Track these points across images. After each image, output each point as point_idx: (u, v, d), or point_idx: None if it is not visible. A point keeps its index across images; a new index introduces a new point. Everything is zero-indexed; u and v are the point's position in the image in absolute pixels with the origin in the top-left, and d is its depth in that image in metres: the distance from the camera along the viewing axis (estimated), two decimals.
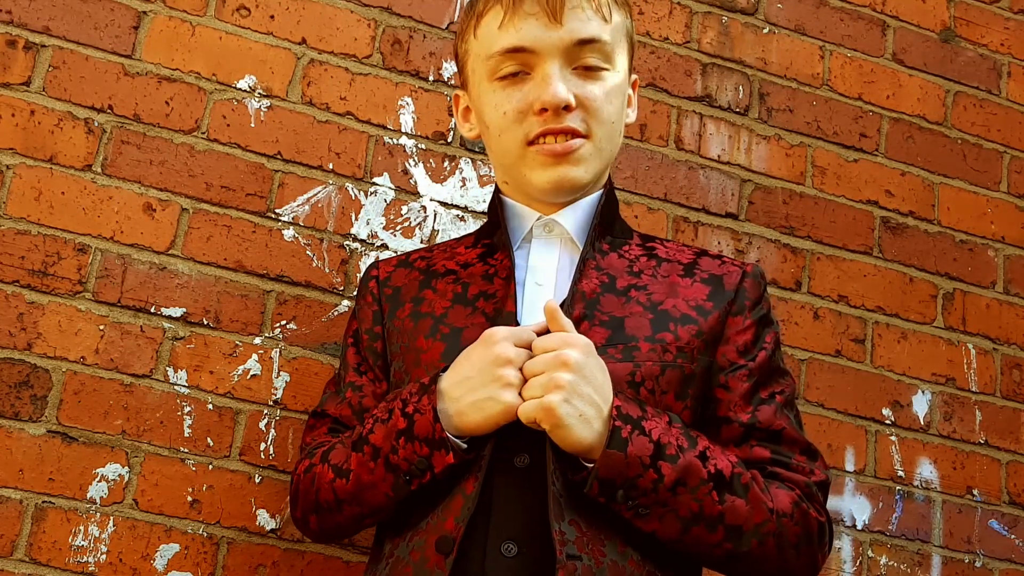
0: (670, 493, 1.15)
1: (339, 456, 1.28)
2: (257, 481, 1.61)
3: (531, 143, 1.30)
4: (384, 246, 1.75)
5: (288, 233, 1.71)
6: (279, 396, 1.65)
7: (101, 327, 1.60)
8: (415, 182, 1.79)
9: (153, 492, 1.57)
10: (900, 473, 1.92)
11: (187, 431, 1.60)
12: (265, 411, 1.64)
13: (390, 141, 1.80)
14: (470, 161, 1.83)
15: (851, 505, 1.88)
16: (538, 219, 1.35)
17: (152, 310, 1.62)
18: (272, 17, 1.78)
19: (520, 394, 1.16)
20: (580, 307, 1.28)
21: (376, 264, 1.47)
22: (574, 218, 1.35)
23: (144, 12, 1.72)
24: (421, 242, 1.77)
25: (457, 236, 1.70)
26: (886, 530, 1.88)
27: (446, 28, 1.87)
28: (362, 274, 1.57)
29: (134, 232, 1.64)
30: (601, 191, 1.38)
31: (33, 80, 1.65)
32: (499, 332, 1.19)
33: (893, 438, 1.93)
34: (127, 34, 1.71)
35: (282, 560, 1.60)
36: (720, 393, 1.29)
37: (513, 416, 1.16)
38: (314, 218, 1.73)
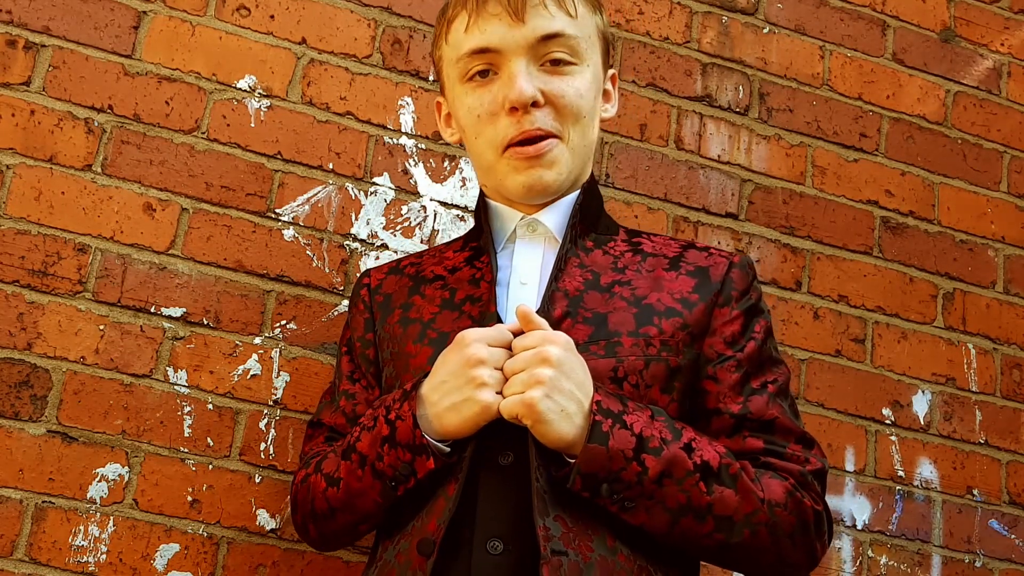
0: (656, 485, 1.15)
1: (330, 465, 1.29)
2: (257, 481, 1.62)
3: (505, 149, 1.31)
4: (384, 246, 1.75)
5: (288, 233, 1.71)
6: (279, 396, 1.65)
7: (101, 327, 1.60)
8: (415, 182, 1.79)
9: (153, 492, 1.57)
10: (900, 473, 1.92)
11: (187, 431, 1.60)
12: (265, 411, 1.64)
13: (390, 141, 1.80)
14: (470, 161, 1.83)
15: (851, 505, 1.88)
16: (521, 219, 1.36)
17: (152, 310, 1.63)
18: (272, 17, 1.78)
19: (502, 393, 1.17)
20: (563, 305, 1.28)
21: (368, 272, 1.48)
22: (556, 217, 1.35)
23: (144, 12, 1.72)
24: (421, 242, 1.77)
25: (456, 237, 1.70)
26: (886, 530, 1.88)
27: None
28: (355, 283, 1.57)
29: (134, 232, 1.64)
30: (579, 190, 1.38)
31: (33, 80, 1.65)
32: (470, 334, 1.19)
33: (893, 438, 1.93)
34: (127, 34, 1.71)
35: (282, 560, 1.60)
36: (709, 385, 1.29)
37: (492, 415, 1.16)
38: (314, 218, 1.73)
